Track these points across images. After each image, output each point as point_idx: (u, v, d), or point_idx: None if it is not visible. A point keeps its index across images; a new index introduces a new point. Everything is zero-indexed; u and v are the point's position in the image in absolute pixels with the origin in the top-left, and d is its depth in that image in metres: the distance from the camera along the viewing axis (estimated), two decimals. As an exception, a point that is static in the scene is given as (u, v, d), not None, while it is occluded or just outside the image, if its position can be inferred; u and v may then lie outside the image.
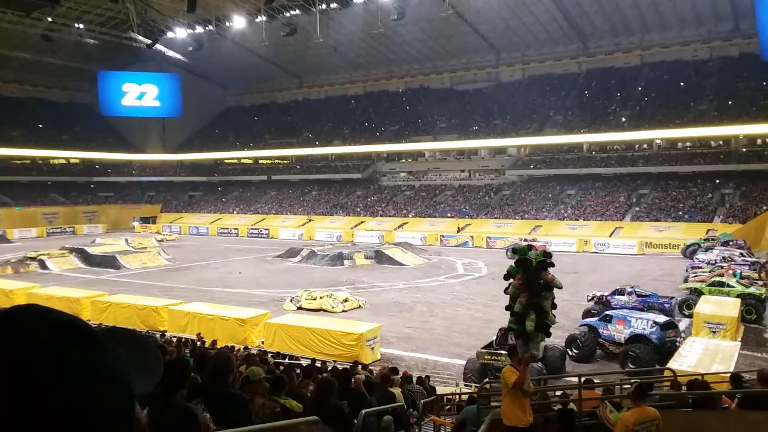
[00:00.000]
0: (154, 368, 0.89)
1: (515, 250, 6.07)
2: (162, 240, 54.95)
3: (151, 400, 3.69)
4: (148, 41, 62.11)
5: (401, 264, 39.21)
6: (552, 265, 5.70)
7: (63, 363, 0.71)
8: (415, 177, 68.16)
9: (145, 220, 69.62)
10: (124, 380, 0.78)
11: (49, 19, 57.67)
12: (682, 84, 57.01)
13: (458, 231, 52.29)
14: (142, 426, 0.83)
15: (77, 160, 75.18)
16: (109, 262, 39.81)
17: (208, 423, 3.82)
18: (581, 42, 63.26)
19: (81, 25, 59.43)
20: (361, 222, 59.57)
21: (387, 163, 70.54)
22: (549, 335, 5.58)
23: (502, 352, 16.33)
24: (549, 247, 45.44)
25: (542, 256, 6.04)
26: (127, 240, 48.43)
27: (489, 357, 16.24)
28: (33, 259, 39.31)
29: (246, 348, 17.80)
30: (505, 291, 6.34)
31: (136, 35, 60.93)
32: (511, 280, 6.23)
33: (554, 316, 5.92)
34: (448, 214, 57.21)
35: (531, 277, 5.58)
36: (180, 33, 62.10)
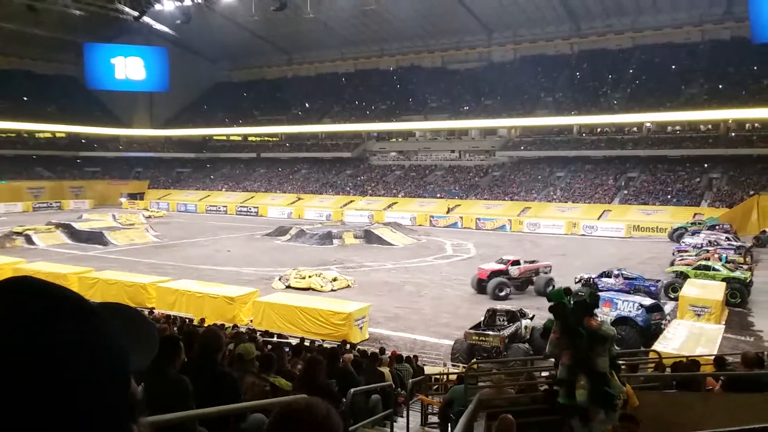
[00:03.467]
0: (150, 344, 0.88)
1: (548, 296, 4.53)
2: (150, 216, 54.61)
3: (145, 376, 3.69)
4: (136, 13, 61.09)
5: (390, 244, 39.26)
6: (594, 306, 4.33)
7: (57, 334, 0.70)
8: (405, 157, 67.98)
9: (133, 197, 69.12)
10: (120, 354, 0.77)
11: (34, -11, 56.56)
12: (673, 67, 57.00)
13: (448, 212, 52.37)
14: (138, 400, 0.83)
15: (63, 134, 74.14)
16: (96, 238, 39.54)
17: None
18: (573, 23, 62.93)
19: (67, -4, 58.24)
20: (351, 201, 59.47)
21: (377, 142, 70.26)
22: (614, 410, 4.00)
23: (490, 332, 16.48)
24: (537, 229, 45.96)
25: (589, 297, 4.63)
26: (114, 216, 48.09)
27: (477, 338, 16.39)
28: (19, 233, 38.98)
29: (235, 326, 17.81)
30: (545, 356, 4.66)
31: (123, 7, 59.85)
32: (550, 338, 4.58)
33: (621, 384, 4.49)
34: (438, 195, 57.23)
35: (570, 326, 4.27)
36: (168, 5, 61.03)
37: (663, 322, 17.68)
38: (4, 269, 25.36)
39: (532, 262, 26.45)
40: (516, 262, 25.17)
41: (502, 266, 24.98)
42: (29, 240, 38.33)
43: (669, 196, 47.54)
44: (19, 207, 61.40)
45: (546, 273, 25.55)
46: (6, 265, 26.03)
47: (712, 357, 10.20)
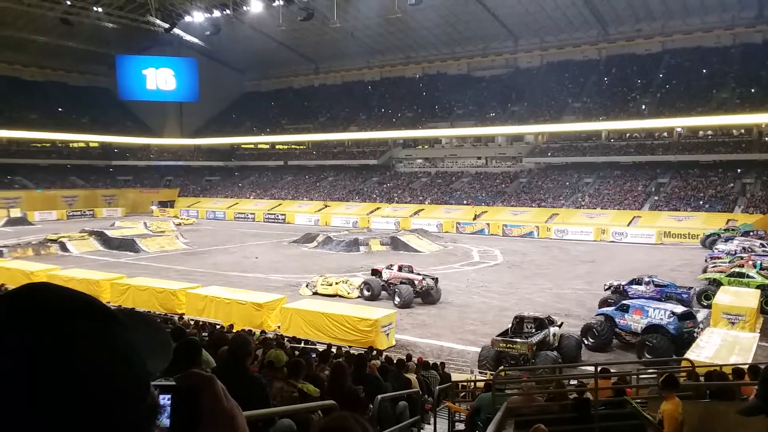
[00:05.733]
0: (165, 350, 0.88)
1: None
2: (180, 224, 55.38)
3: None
4: (166, 25, 62.31)
5: (417, 250, 39.21)
6: None
7: (75, 338, 0.71)
8: (431, 164, 67.92)
9: (163, 204, 70.22)
10: (140, 359, 0.77)
11: (68, 2, 58.06)
12: (704, 71, 56.05)
13: (474, 218, 52.12)
14: (158, 406, 0.82)
15: (96, 144, 75.78)
16: (128, 245, 40.24)
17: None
18: (601, 28, 62.34)
19: (99, 9, 59.67)
20: (377, 208, 59.57)
21: (403, 149, 70.34)
22: None
23: (517, 340, 16.33)
24: (566, 236, 45.49)
25: None
26: (145, 224, 48.88)
27: (504, 345, 16.25)
28: (54, 241, 39.84)
29: (263, 332, 17.95)
30: None
31: (154, 19, 61.10)
32: None
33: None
34: (465, 202, 57.02)
35: None
36: (197, 17, 62.12)
37: (695, 330, 17.32)
38: (39, 276, 25.92)
39: (412, 272, 25.41)
40: (390, 266, 25.86)
41: (380, 266, 26.32)
42: (63, 247, 39.16)
43: (701, 202, 46.64)
44: (53, 215, 62.83)
45: (420, 285, 24.24)
46: (40, 272, 26.60)
47: (747, 366, 9.95)
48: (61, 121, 70.02)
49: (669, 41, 60.43)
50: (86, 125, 72.60)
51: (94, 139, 74.38)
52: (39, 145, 70.97)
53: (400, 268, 25.48)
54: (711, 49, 57.81)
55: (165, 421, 0.83)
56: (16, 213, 58.15)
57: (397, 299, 23.72)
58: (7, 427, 0.65)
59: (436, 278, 25.18)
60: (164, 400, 0.83)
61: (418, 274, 25.08)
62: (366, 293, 24.80)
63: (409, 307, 23.41)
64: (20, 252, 36.73)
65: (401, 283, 24.39)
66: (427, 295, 24.30)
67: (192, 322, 17.86)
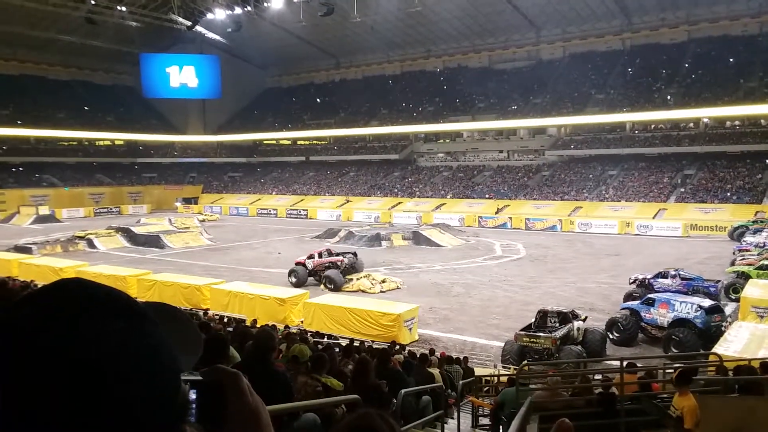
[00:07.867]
0: (195, 346, 0.87)
1: None
2: (204, 220, 55.97)
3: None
4: (189, 23, 62.92)
5: (439, 245, 39.11)
6: None
7: (107, 335, 0.70)
8: (453, 157, 67.63)
9: (188, 201, 71.02)
10: (170, 355, 0.76)
11: (93, 2, 58.86)
12: (731, 60, 54.86)
13: (497, 212, 51.83)
14: (190, 402, 0.81)
15: (122, 142, 76.95)
16: (153, 241, 40.80)
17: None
18: (625, 17, 61.40)
19: (123, 8, 60.40)
20: (399, 203, 59.55)
21: (425, 143, 70.14)
22: None
23: (541, 334, 16.23)
24: (589, 229, 45.01)
25: None
26: (170, 220, 49.49)
27: (527, 339, 16.16)
28: (81, 238, 40.56)
29: (286, 327, 18.09)
30: None
31: (176, 17, 61.72)
32: None
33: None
34: (487, 195, 56.70)
35: None
36: (219, 14, 62.63)
37: (723, 324, 17.05)
38: (67, 272, 26.41)
39: (331, 254, 28.07)
40: (311, 257, 27.38)
41: (302, 258, 27.65)
42: (91, 244, 39.83)
43: (728, 194, 45.80)
44: (81, 212, 63.93)
45: (343, 264, 26.89)
46: (69, 268, 27.11)
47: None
48: (87, 120, 71.11)
49: (694, 30, 59.27)
50: (112, 123, 73.72)
51: (120, 137, 75.52)
52: (66, 143, 72.24)
53: (320, 255, 27.50)
54: (738, 37, 56.58)
55: (191, 417, 0.84)
56: (44, 210, 59.21)
57: (330, 285, 25.62)
58: (36, 427, 0.64)
59: (355, 253, 28.56)
60: (191, 395, 0.83)
61: (335, 254, 27.84)
62: (293, 280, 26.40)
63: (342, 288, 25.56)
64: (49, 249, 37.44)
65: (326, 268, 26.44)
66: (353, 270, 26.99)
67: (217, 317, 18.08)
